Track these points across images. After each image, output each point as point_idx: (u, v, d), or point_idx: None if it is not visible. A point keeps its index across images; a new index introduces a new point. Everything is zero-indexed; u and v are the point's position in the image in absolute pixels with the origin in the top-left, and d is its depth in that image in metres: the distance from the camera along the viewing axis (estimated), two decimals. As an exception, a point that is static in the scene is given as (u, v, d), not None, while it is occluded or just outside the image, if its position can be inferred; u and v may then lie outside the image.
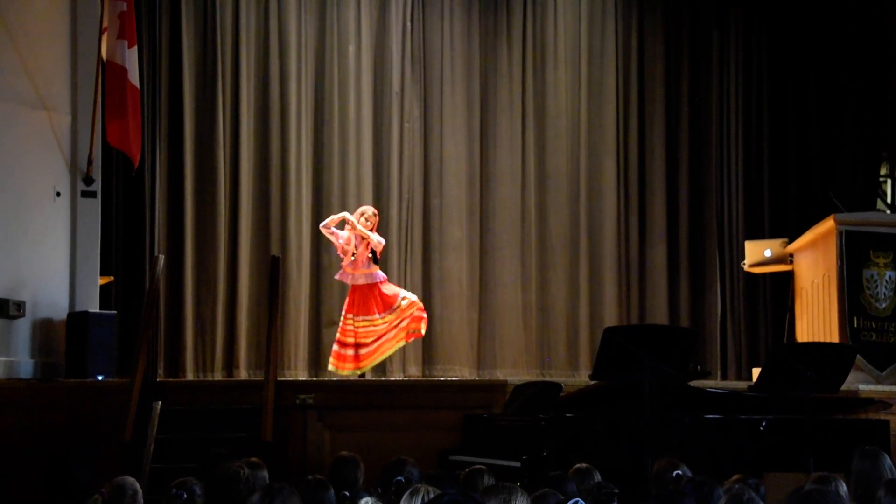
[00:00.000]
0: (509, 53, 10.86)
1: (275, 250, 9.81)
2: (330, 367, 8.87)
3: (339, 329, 8.83)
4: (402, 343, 8.88)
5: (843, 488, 4.15)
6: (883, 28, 11.05)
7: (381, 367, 10.24)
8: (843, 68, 11.05)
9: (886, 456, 4.49)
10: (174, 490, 4.09)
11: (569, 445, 6.01)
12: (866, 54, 11.02)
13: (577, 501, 3.33)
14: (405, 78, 10.58)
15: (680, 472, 4.57)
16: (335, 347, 8.81)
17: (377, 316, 8.74)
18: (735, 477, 4.34)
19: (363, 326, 8.75)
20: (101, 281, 8.93)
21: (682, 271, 10.90)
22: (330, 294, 10.22)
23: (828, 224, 8.79)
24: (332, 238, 8.85)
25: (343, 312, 8.85)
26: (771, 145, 11.09)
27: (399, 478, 4.22)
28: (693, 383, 6.54)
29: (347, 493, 4.28)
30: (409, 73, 10.60)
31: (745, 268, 10.08)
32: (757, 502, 3.40)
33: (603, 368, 6.03)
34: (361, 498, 4.03)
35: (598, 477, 4.53)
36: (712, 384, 8.25)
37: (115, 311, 8.75)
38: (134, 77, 8.63)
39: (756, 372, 8.58)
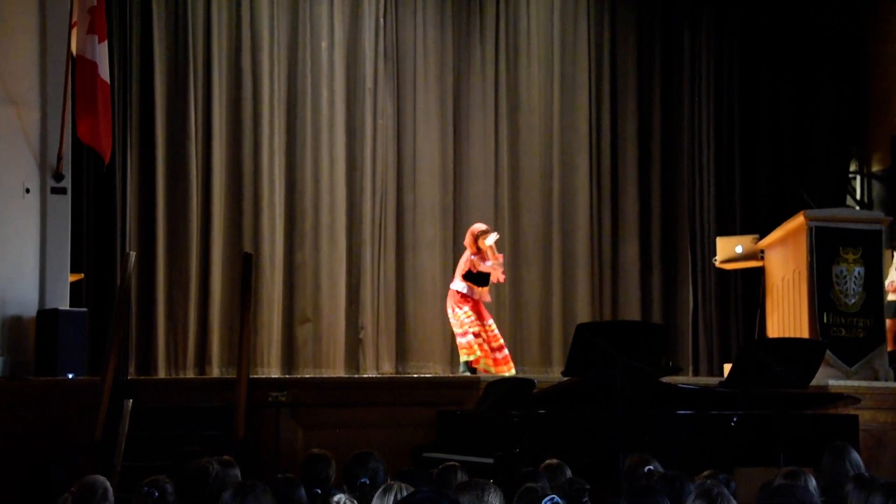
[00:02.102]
0: (482, 50, 10.87)
1: (247, 247, 9.77)
2: (493, 369, 8.99)
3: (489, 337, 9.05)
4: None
5: (813, 483, 4.19)
6: (854, 26, 11.15)
7: (355, 364, 10.26)
8: (814, 66, 11.14)
9: (853, 450, 4.53)
10: (145, 488, 4.07)
11: (542, 442, 6.01)
12: (838, 52, 11.12)
13: (553, 498, 3.34)
14: (378, 75, 10.57)
15: (651, 467, 4.60)
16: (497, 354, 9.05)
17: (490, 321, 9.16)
18: (706, 473, 4.37)
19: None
20: (72, 278, 8.86)
21: (655, 267, 10.96)
22: (303, 292, 10.21)
23: (798, 220, 8.85)
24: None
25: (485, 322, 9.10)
26: (742, 142, 11.17)
27: (364, 479, 4.22)
28: (665, 379, 6.57)
29: (319, 491, 4.28)
30: (382, 70, 10.59)
31: (717, 264, 10.12)
32: (727, 497, 3.42)
33: (575, 365, 6.05)
34: (333, 495, 4.02)
35: (569, 473, 4.54)
36: (684, 380, 8.28)
37: (85, 309, 8.69)
38: (104, 72, 8.56)
39: (727, 367, 8.64)
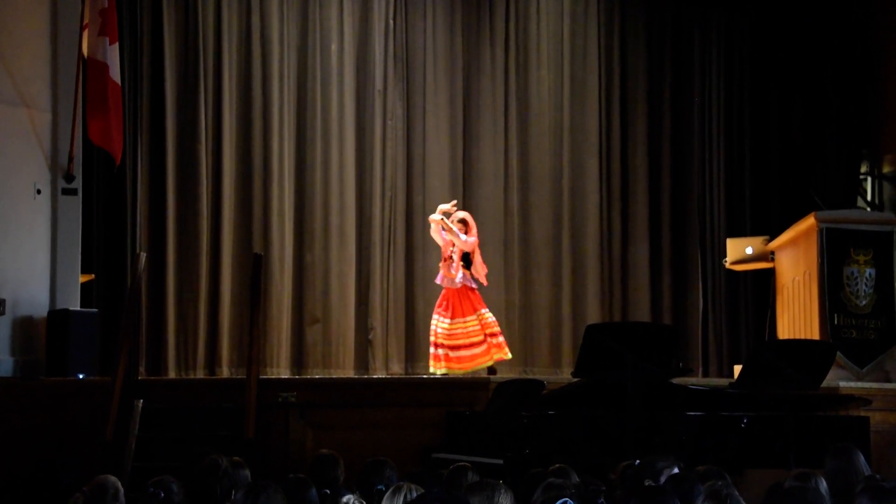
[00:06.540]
0: (492, 52, 10.87)
1: (257, 248, 9.79)
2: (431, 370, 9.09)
3: (431, 331, 9.12)
4: (489, 363, 9.02)
5: (823, 485, 4.17)
6: (865, 26, 11.12)
7: (364, 365, 10.27)
8: (824, 66, 11.11)
9: (859, 452, 4.51)
10: (151, 489, 4.07)
11: (551, 443, 6.02)
12: (848, 52, 11.09)
13: (566, 502, 3.34)
14: (388, 77, 10.57)
15: (657, 463, 4.58)
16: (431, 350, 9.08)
17: (470, 317, 9.04)
18: (700, 468, 4.34)
19: (455, 329, 9.00)
20: (83, 279, 8.90)
21: (665, 269, 10.94)
22: (312, 292, 10.21)
23: (809, 222, 8.84)
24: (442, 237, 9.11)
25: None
26: (752, 143, 11.15)
27: (379, 486, 4.22)
28: (675, 380, 6.56)
29: (328, 492, 4.28)
30: (392, 72, 10.59)
31: (727, 265, 10.12)
32: (736, 499, 3.41)
33: (585, 366, 6.05)
34: (343, 496, 4.03)
35: (575, 476, 4.52)
36: (694, 381, 8.28)
37: (96, 309, 8.72)
38: (115, 74, 8.59)
39: (737, 369, 8.63)
